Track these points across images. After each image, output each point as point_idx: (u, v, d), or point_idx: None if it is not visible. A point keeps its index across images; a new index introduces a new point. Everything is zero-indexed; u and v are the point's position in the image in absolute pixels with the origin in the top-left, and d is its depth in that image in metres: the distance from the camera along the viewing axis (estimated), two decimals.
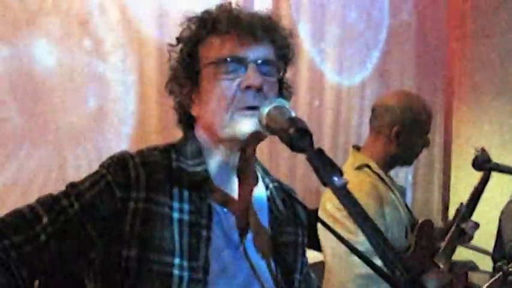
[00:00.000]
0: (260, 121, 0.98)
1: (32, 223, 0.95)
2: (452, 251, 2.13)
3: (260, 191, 1.13)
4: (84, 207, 0.98)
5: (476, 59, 4.18)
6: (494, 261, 3.31)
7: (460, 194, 4.19)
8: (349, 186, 0.79)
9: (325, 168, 0.80)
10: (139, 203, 0.99)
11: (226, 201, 1.06)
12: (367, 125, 2.12)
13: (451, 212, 4.10)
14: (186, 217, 1.01)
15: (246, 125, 1.01)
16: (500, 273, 2.73)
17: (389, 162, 2.00)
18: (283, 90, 1.13)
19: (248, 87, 1.02)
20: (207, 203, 1.03)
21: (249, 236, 1.05)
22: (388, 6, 3.74)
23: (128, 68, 2.49)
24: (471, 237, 2.20)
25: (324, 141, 3.25)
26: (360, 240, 1.61)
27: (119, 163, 1.03)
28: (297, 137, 0.85)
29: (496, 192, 3.79)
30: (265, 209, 1.11)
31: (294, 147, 0.85)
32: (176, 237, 0.98)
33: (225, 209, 1.05)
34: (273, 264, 1.07)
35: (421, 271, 1.96)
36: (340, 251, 1.81)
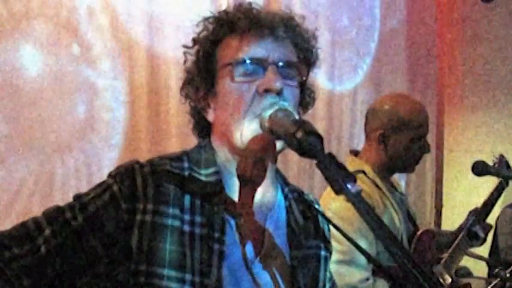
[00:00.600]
0: (262, 125, 0.92)
1: (34, 235, 0.93)
2: (459, 258, 2.09)
3: (280, 201, 1.07)
4: (87, 219, 0.93)
5: (466, 66, 4.20)
6: (489, 267, 3.30)
7: (452, 202, 4.18)
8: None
9: (338, 175, 0.75)
10: (146, 215, 0.94)
11: (240, 213, 1.00)
12: (359, 131, 2.10)
13: (445, 220, 4.13)
14: (197, 230, 0.95)
15: (248, 130, 0.96)
16: (498, 279, 2.71)
17: (385, 168, 1.94)
18: (305, 95, 1.07)
19: (267, 91, 0.95)
20: (220, 215, 0.97)
21: (261, 252, 1.00)
22: (379, 13, 3.74)
23: (118, 74, 2.44)
24: (484, 240, 2.16)
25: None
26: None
27: (126, 173, 0.97)
28: (307, 140, 0.80)
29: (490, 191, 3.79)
30: (283, 220, 1.06)
31: (303, 152, 0.80)
32: (187, 251, 0.93)
33: (239, 223, 1.00)
34: (282, 285, 1.01)
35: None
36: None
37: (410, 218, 2.04)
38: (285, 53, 0.99)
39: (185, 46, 1.06)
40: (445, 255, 2.08)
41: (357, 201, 0.72)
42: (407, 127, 1.89)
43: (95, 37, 2.35)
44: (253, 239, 1.00)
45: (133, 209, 0.94)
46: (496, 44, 4.04)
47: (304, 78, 1.04)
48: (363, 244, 1.70)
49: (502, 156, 2.08)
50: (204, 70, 1.02)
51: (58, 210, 0.96)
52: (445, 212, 4.19)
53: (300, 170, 3.18)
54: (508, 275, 2.66)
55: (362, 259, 1.71)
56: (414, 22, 3.95)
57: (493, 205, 2.12)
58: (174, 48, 2.49)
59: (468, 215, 2.13)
